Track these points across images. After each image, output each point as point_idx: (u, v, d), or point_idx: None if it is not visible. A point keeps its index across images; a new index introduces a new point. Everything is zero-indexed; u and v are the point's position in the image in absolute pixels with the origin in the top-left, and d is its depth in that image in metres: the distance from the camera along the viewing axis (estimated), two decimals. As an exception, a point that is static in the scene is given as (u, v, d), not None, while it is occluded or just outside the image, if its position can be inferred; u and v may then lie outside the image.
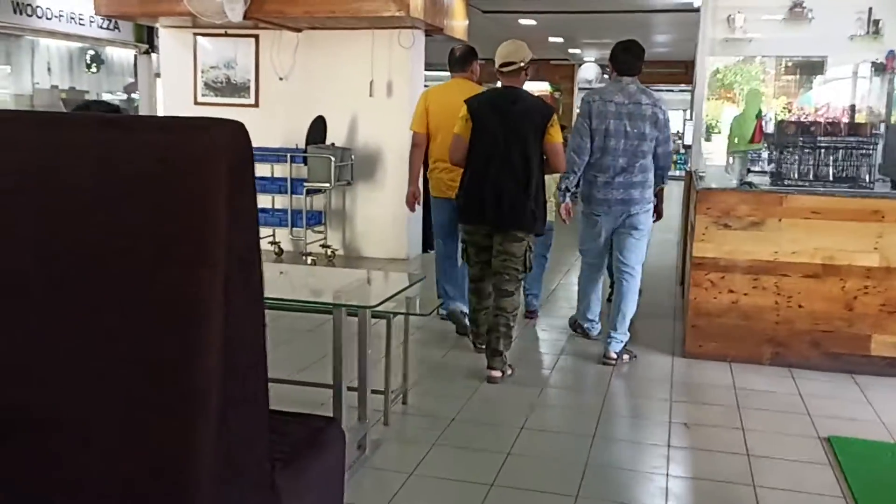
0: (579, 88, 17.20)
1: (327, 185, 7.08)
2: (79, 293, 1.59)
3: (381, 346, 3.79)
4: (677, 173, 14.37)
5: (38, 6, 9.81)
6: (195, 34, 7.98)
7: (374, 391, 3.45)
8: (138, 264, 1.55)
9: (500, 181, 4.14)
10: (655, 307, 6.01)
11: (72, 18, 10.41)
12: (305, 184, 7.12)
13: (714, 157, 9.50)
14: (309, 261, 7.24)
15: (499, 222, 4.19)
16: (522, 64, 4.33)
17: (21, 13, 9.65)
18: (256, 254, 1.68)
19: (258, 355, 1.71)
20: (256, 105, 7.96)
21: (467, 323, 4.88)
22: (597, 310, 5.08)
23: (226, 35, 7.88)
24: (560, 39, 13.19)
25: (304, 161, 7.16)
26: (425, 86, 7.01)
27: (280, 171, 7.41)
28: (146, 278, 1.55)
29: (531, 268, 4.32)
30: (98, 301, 1.58)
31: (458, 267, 5.03)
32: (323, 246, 7.61)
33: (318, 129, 7.32)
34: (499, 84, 4.53)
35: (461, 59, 5.08)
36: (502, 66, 4.35)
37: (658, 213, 5.00)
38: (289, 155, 7.18)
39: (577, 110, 5.64)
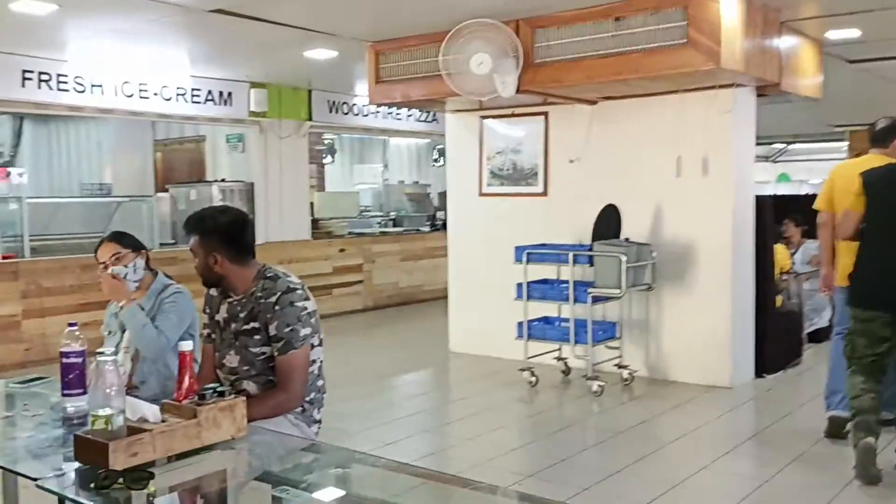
0: None
1: (616, 290, 5.55)
2: None
3: None
4: None
5: (353, 104, 9.82)
6: (481, 117, 7.08)
7: None
8: None
9: None
10: None
11: (388, 114, 10.31)
12: (590, 289, 5.67)
13: None
14: (595, 386, 5.71)
15: None
16: None
17: (336, 111, 9.71)
18: None
19: None
20: (545, 194, 6.74)
21: (847, 430, 4.22)
22: None
23: (513, 115, 6.86)
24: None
25: (590, 261, 5.73)
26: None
27: (568, 272, 6.05)
28: None
29: None
30: None
31: None
32: (618, 366, 6.03)
33: (608, 220, 5.87)
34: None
35: (882, 134, 4.69)
36: None
37: None
38: (571, 254, 5.80)
39: None
